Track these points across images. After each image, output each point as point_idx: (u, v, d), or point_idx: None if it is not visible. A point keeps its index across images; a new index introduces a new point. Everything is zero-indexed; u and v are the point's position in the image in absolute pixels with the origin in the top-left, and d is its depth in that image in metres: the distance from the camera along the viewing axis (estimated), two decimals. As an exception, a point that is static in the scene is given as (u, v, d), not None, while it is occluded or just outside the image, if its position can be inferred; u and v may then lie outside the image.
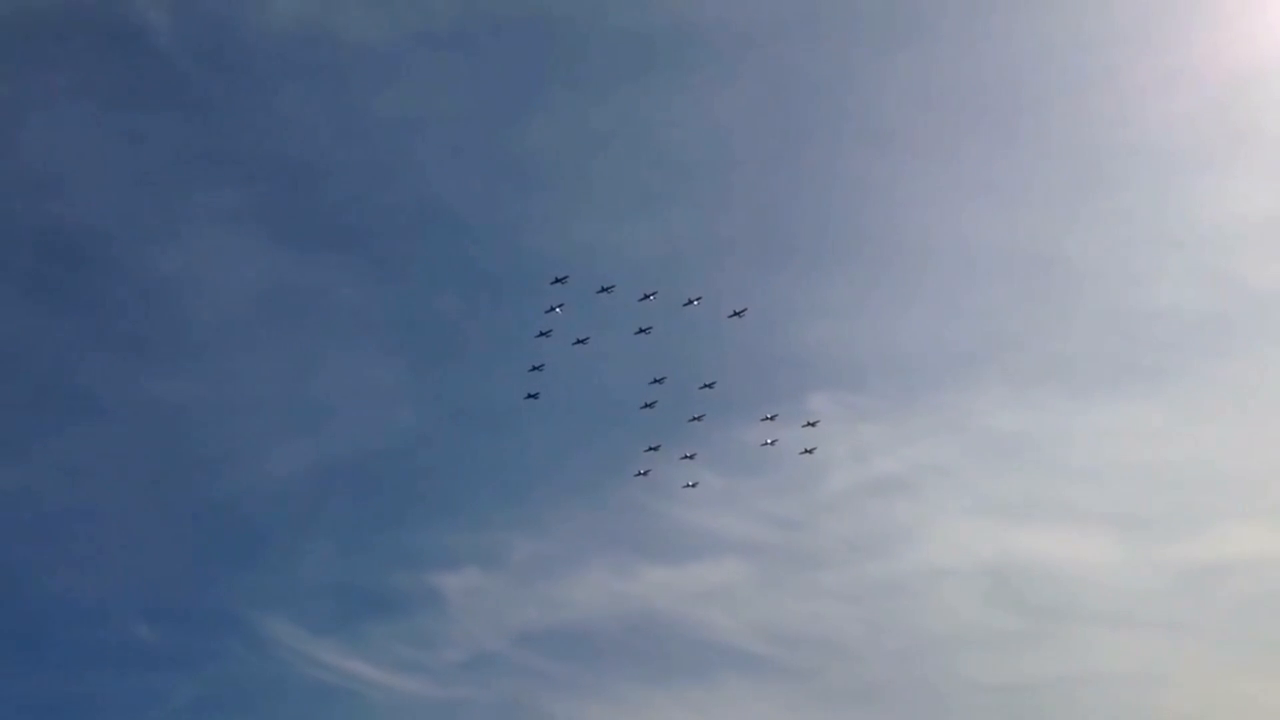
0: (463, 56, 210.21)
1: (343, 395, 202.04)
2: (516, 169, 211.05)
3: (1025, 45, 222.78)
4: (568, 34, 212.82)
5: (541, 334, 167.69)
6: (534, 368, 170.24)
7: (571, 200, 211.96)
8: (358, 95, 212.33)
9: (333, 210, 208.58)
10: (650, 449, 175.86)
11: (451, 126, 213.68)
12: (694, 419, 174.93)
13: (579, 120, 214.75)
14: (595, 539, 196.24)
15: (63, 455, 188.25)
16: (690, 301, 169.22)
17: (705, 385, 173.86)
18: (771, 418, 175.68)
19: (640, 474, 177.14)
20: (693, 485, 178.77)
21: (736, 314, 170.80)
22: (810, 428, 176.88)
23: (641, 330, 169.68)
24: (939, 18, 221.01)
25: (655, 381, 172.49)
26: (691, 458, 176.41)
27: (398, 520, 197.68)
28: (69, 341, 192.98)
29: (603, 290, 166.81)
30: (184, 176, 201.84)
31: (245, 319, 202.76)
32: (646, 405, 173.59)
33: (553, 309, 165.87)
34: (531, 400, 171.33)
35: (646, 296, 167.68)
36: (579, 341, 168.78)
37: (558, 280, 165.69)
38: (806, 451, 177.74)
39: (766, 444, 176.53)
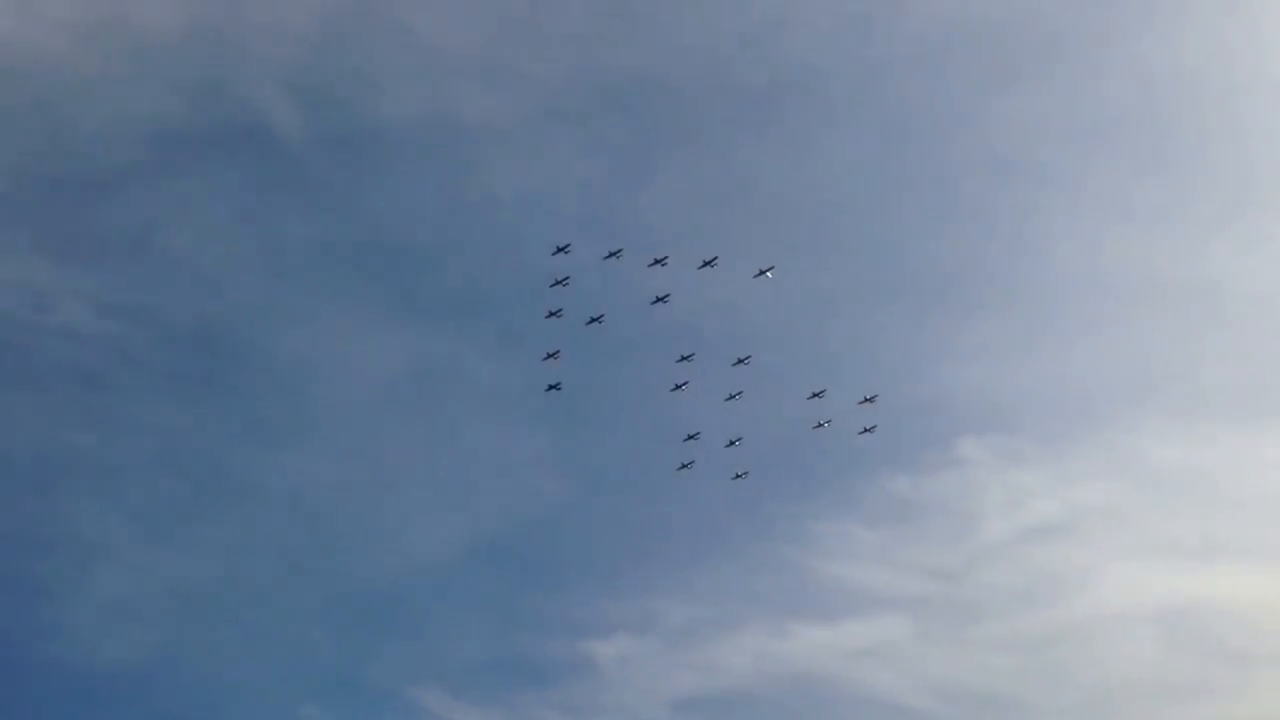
0: (579, 128, 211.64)
1: (485, 468, 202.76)
2: (640, 234, 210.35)
3: (1155, 66, 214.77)
4: (683, 96, 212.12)
5: (550, 314, 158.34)
6: (548, 355, 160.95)
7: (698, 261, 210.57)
8: (479, 173, 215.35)
9: (462, 286, 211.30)
10: (689, 438, 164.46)
11: (572, 197, 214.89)
12: (731, 397, 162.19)
13: (701, 180, 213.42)
14: (746, 599, 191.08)
15: (220, 543, 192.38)
16: (706, 264, 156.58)
17: (739, 360, 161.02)
18: (820, 394, 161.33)
19: (683, 466, 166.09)
20: (743, 475, 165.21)
21: (762, 272, 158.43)
22: (868, 404, 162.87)
23: (659, 299, 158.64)
24: (1062, 45, 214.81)
25: (683, 359, 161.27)
26: (737, 443, 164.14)
27: (547, 589, 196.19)
28: (218, 431, 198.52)
29: (610, 256, 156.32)
30: (318, 264, 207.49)
31: (386, 399, 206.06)
32: (677, 387, 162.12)
33: (557, 283, 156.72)
34: (554, 392, 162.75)
35: (657, 261, 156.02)
36: (593, 320, 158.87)
37: (560, 250, 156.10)
38: (866, 431, 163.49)
39: (821, 425, 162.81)
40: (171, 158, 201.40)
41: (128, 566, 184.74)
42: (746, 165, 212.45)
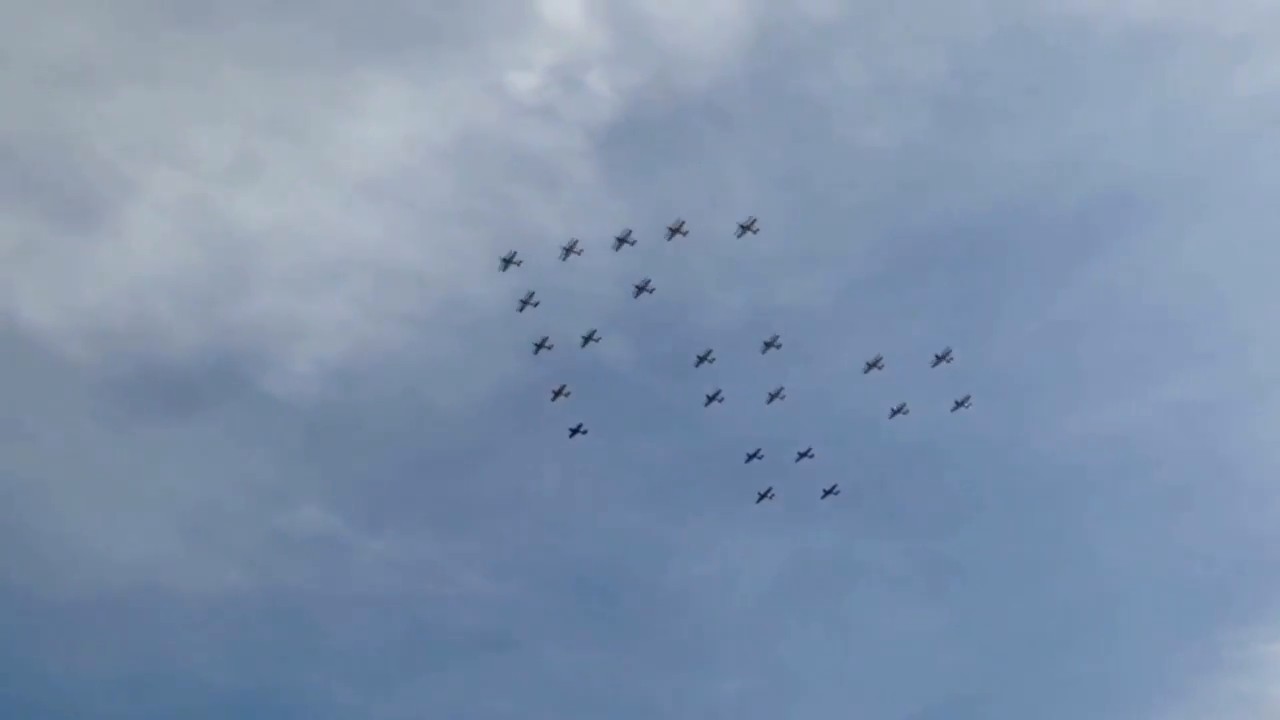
0: (901, 294, 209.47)
1: (888, 654, 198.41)
2: (991, 383, 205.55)
3: None
4: (1002, 235, 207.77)
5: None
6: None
7: (1063, 393, 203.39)
8: (807, 359, 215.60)
9: (824, 473, 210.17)
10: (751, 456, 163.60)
11: (907, 359, 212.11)
12: (801, 457, 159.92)
13: (1045, 318, 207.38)
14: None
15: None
16: (675, 231, 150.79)
17: (768, 343, 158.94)
18: (877, 363, 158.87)
19: (761, 498, 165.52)
20: (832, 491, 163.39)
21: (744, 228, 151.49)
22: (943, 363, 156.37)
23: (642, 287, 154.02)
24: None
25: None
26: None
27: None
28: (623, 667, 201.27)
29: (957, 407, 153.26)
30: (681, 482, 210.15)
31: (776, 600, 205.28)
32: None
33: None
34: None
35: (623, 241, 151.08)
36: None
37: (896, 412, 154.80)
38: (960, 405, 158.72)
39: (898, 412, 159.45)
40: (523, 414, 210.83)
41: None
42: (1091, 292, 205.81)
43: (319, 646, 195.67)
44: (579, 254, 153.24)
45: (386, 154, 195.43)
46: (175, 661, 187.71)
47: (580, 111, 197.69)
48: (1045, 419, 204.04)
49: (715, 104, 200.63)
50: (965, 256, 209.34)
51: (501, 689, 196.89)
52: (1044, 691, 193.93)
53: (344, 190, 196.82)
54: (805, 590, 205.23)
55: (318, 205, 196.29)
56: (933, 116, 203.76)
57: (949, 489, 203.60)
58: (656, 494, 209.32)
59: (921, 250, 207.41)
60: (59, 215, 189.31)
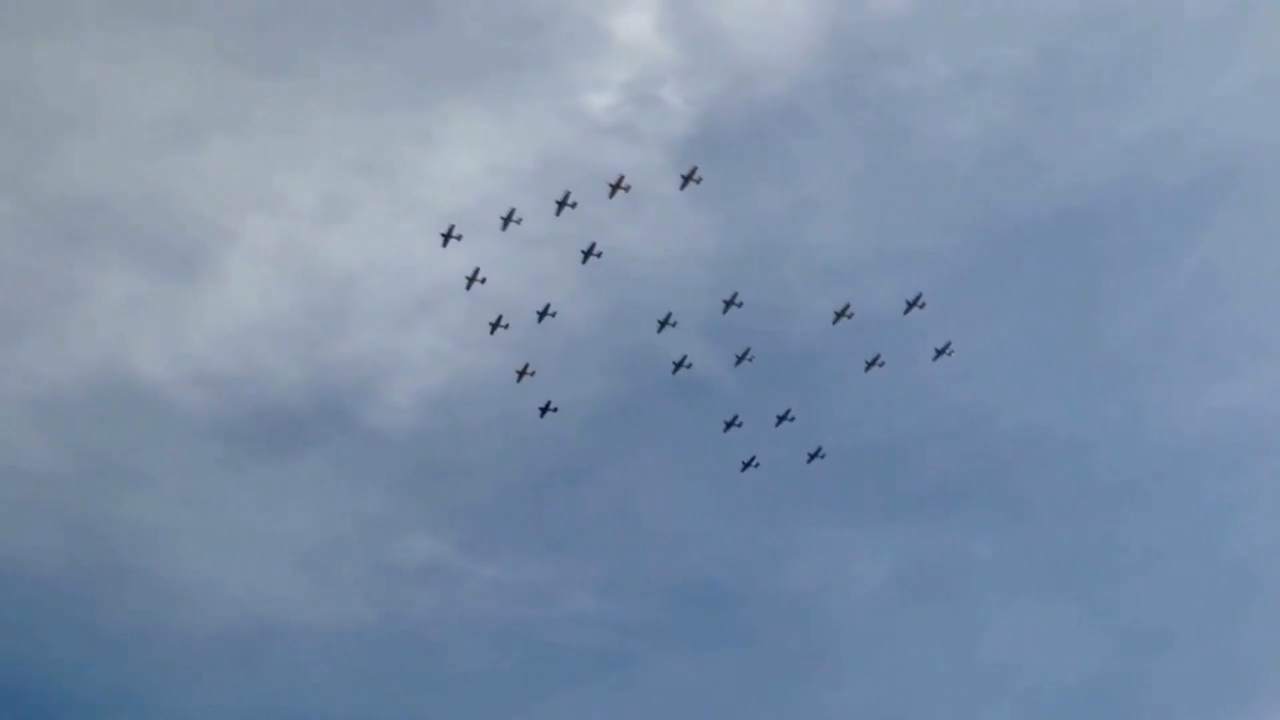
0: (995, 291, 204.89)
1: (1020, 652, 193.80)
2: (1096, 375, 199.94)
3: None
4: (1101, 216, 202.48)
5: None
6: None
7: (1182, 374, 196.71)
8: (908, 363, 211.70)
9: (932, 474, 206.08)
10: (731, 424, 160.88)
11: (1010, 356, 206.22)
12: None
13: (1150, 294, 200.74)
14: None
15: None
16: (616, 187, 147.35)
17: (728, 301, 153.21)
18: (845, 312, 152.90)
19: (746, 466, 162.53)
20: (818, 455, 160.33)
21: (686, 179, 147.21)
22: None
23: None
24: None
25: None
26: (790, 418, 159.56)
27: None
28: (738, 682, 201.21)
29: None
30: (783, 492, 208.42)
31: (889, 604, 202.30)
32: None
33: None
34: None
35: (564, 203, 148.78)
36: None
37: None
38: (940, 353, 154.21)
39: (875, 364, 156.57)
40: (623, 432, 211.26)
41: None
42: (1202, 270, 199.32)
43: (437, 673, 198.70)
44: (518, 222, 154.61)
45: (471, 184, 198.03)
46: (297, 694, 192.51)
47: (658, 126, 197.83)
48: (1166, 402, 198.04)
49: (794, 108, 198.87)
50: (1065, 243, 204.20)
51: (619, 707, 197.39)
52: (1181, 683, 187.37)
53: (432, 223, 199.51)
54: (921, 590, 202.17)
55: (407, 240, 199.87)
56: (1019, 103, 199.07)
57: (1070, 478, 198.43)
58: (760, 505, 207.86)
59: (1018, 240, 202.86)
60: (163, 268, 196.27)
